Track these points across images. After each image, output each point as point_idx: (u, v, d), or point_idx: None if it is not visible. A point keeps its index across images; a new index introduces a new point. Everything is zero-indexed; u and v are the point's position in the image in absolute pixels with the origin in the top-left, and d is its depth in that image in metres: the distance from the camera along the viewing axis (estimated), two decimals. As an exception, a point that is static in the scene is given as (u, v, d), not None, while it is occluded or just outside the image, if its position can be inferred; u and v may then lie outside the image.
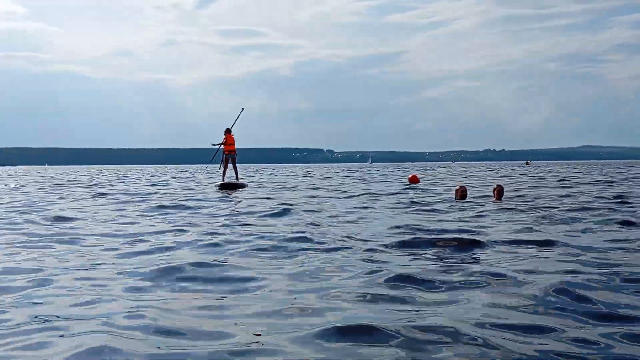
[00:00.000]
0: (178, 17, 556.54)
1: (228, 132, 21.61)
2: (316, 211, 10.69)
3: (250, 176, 36.48)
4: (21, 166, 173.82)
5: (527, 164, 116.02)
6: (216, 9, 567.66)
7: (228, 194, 17.44)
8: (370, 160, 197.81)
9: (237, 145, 21.94)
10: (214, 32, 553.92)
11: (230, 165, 21.95)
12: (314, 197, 15.56)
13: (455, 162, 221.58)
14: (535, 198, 13.67)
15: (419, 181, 24.67)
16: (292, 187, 21.92)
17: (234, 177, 22.14)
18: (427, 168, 72.66)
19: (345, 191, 18.00)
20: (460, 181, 23.82)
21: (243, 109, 22.36)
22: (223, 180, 21.63)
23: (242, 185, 21.23)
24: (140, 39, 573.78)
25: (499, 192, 13.23)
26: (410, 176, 26.24)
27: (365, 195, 15.51)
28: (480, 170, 53.24)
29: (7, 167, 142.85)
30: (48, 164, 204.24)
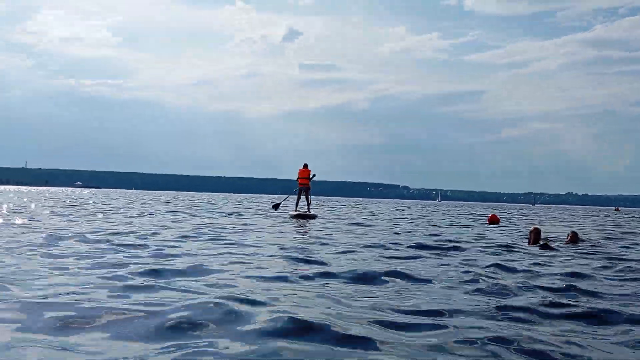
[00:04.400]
0: (264, 49, 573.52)
1: (305, 166, 23.31)
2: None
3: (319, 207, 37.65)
4: (108, 189, 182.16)
5: (616, 210, 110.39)
6: (300, 43, 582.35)
7: (300, 223, 18.64)
8: (439, 198, 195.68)
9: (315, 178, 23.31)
10: (295, 65, 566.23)
11: (303, 197, 23.37)
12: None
13: (536, 205, 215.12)
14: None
15: (499, 221, 24.81)
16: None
17: (306, 208, 23.32)
18: (502, 209, 71.58)
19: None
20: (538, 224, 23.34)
21: (315, 175, 23.49)
22: (296, 211, 22.97)
23: (313, 216, 22.40)
24: (224, 68, 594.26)
25: (573, 237, 13.54)
26: (490, 215, 26.43)
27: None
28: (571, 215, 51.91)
29: (94, 190, 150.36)
30: (135, 189, 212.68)
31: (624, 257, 10.35)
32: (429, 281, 6.70)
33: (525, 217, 36.25)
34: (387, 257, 9.06)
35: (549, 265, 8.62)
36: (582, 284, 6.66)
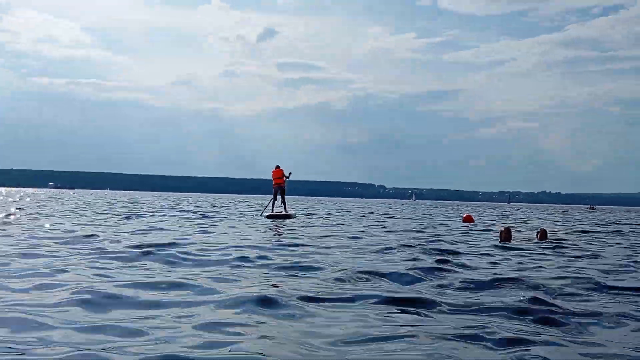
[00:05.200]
0: (240, 49, 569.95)
1: (276, 167, 23.77)
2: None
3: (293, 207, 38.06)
4: (83, 190, 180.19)
5: (591, 208, 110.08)
6: (277, 42, 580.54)
7: (276, 223, 19.01)
8: (414, 197, 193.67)
9: (291, 178, 23.83)
10: (273, 65, 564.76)
11: (279, 197, 23.77)
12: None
13: (511, 203, 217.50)
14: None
15: (473, 220, 25.73)
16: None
17: (283, 209, 23.71)
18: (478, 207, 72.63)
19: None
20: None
21: (291, 173, 23.97)
22: (272, 212, 23.35)
23: (289, 216, 22.77)
24: (202, 68, 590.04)
25: (542, 234, 14.43)
26: (464, 216, 27.36)
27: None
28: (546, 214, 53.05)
29: (73, 190, 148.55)
30: (110, 189, 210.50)
31: (584, 248, 11.40)
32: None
33: (498, 216, 37.01)
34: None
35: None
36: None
